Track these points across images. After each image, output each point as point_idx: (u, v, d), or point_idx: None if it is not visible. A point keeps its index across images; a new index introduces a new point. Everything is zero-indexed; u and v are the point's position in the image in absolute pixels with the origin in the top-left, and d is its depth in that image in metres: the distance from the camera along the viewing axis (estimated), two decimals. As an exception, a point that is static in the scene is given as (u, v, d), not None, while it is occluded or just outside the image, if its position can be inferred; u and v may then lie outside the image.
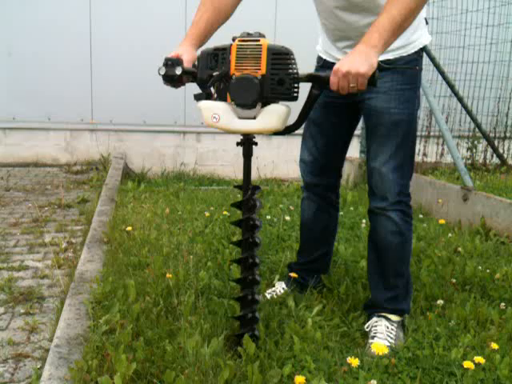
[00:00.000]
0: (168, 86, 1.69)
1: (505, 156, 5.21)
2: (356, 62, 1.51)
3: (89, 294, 2.24)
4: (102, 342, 1.79)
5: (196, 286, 2.24)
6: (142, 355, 1.69)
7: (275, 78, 1.54)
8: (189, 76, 1.66)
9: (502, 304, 2.25)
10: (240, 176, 1.80)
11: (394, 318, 1.99)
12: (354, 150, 5.29)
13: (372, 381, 1.46)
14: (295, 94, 1.57)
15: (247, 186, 1.75)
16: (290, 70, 1.54)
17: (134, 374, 1.61)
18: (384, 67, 1.63)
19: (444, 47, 4.67)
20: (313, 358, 1.71)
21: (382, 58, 1.79)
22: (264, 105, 1.57)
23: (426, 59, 4.41)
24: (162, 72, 1.63)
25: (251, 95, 1.53)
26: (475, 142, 5.07)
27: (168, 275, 2.26)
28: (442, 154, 5.05)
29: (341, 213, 3.76)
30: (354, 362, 1.46)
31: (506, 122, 5.29)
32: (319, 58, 2.11)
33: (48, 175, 5.07)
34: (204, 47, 1.69)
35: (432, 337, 1.95)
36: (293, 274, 2.28)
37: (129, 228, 3.09)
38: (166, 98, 4.70)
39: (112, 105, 5.37)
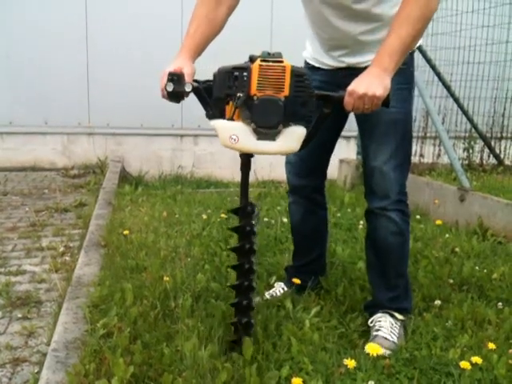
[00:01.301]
0: (171, 101, 1.63)
1: (501, 156, 5.23)
2: (372, 84, 1.54)
3: (86, 297, 2.24)
4: (99, 346, 1.79)
5: (193, 289, 2.24)
6: (140, 358, 1.69)
7: (299, 99, 1.53)
8: (197, 93, 1.61)
9: (500, 304, 2.26)
10: (237, 178, 1.79)
11: (398, 316, 2.00)
12: (351, 152, 5.30)
13: (369, 382, 1.46)
14: (313, 115, 1.58)
15: (245, 206, 1.73)
16: (311, 92, 1.55)
17: (132, 378, 1.60)
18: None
19: (440, 48, 4.69)
20: (310, 359, 1.71)
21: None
22: (283, 126, 1.55)
23: (422, 60, 4.43)
24: (170, 88, 1.56)
25: (275, 117, 1.50)
26: (472, 143, 5.08)
27: (165, 278, 2.26)
28: (438, 155, 5.06)
29: (338, 214, 3.77)
30: (351, 363, 1.47)
31: (503, 122, 5.31)
32: (306, 64, 2.11)
33: (45, 179, 5.07)
34: (216, 63, 1.64)
35: (429, 337, 1.96)
36: (295, 280, 2.27)
37: (126, 231, 3.09)
38: (163, 101, 4.68)
39: (109, 108, 5.37)
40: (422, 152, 5.03)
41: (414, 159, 4.93)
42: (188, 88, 1.56)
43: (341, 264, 2.66)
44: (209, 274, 2.46)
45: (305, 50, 2.15)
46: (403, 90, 1.88)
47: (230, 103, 1.56)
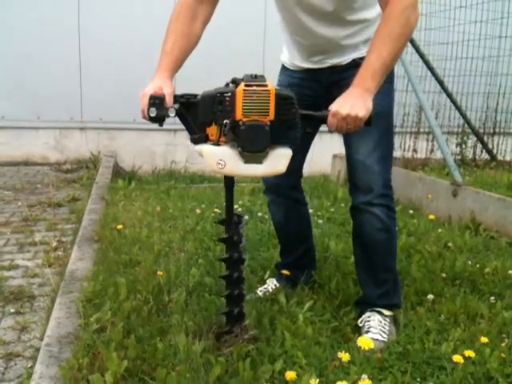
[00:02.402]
0: (152, 123, 1.59)
1: (494, 151, 5.25)
2: (355, 105, 1.53)
3: (79, 292, 2.24)
4: (92, 341, 1.78)
5: (187, 284, 2.24)
6: (133, 353, 1.69)
7: (284, 123, 1.53)
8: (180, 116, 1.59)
9: (492, 298, 2.27)
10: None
11: (386, 312, 2.00)
12: (342, 146, 5.30)
13: (363, 375, 1.46)
14: (298, 135, 1.59)
15: (231, 218, 1.74)
16: (296, 115, 1.55)
17: (126, 372, 1.60)
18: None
19: (433, 43, 4.69)
20: (304, 353, 1.72)
21: (360, 54, 1.85)
22: (269, 149, 1.55)
23: (415, 55, 4.44)
24: (153, 114, 1.52)
25: (262, 142, 1.49)
26: (465, 138, 5.10)
27: (159, 273, 2.26)
28: (431, 150, 5.07)
29: (331, 209, 3.78)
30: (345, 356, 1.47)
31: (495, 118, 5.33)
32: (284, 68, 2.11)
33: (38, 174, 5.05)
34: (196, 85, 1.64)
35: (422, 331, 1.97)
36: (285, 272, 2.29)
37: (119, 226, 3.08)
38: (156, 95, 4.68)
39: (101, 103, 5.34)
40: (416, 147, 5.04)
41: (408, 154, 4.95)
42: (172, 113, 1.54)
43: (334, 258, 2.66)
44: (202, 268, 2.46)
45: (282, 53, 2.14)
46: (384, 83, 1.87)
47: (214, 125, 1.55)
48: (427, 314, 2.10)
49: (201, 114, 1.54)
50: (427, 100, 4.36)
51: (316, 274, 2.37)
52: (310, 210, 3.58)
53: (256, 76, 1.52)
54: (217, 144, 1.55)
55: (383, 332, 1.94)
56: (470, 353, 1.67)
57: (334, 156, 5.02)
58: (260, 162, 1.53)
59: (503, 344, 1.84)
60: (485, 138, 5.21)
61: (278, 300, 2.13)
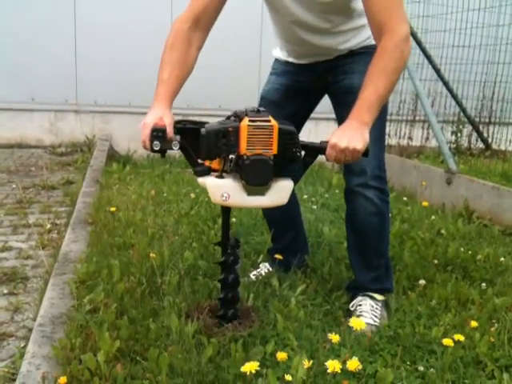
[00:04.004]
0: (153, 152, 1.59)
1: (489, 140, 5.26)
2: (353, 138, 1.56)
3: (73, 273, 2.24)
4: (85, 321, 1.79)
5: (180, 267, 2.24)
6: (126, 333, 1.70)
7: (286, 156, 1.56)
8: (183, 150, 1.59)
9: (483, 284, 2.29)
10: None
11: (378, 297, 2.02)
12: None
13: (353, 358, 1.48)
14: (300, 168, 1.64)
15: (227, 241, 1.76)
16: (298, 149, 1.57)
17: (118, 352, 1.61)
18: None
19: (430, 31, 4.68)
20: (296, 335, 1.73)
21: (353, 45, 1.92)
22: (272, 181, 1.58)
23: (412, 43, 4.42)
24: (157, 147, 1.52)
25: (266, 176, 1.53)
26: (460, 127, 5.10)
27: (152, 255, 2.26)
28: (427, 138, 5.08)
29: (326, 195, 3.79)
30: (335, 338, 1.48)
31: (491, 107, 5.33)
32: (278, 60, 2.14)
33: (32, 156, 5.02)
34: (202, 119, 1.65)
35: (413, 316, 1.98)
36: (278, 256, 2.29)
37: (113, 209, 3.08)
38: (150, 79, 4.65)
39: (97, 86, 5.30)
40: (411, 135, 5.04)
41: (403, 142, 4.96)
42: (175, 147, 1.55)
43: (327, 244, 2.68)
44: (196, 251, 2.47)
45: (275, 49, 2.16)
46: None
47: (218, 158, 1.57)
48: (418, 299, 2.12)
49: (205, 149, 1.55)
50: (423, 88, 4.36)
51: (309, 259, 2.38)
52: (305, 196, 3.61)
53: (259, 110, 1.55)
54: (220, 176, 1.56)
55: (375, 316, 1.95)
56: (459, 337, 1.69)
57: (330, 143, 5.01)
58: (263, 194, 1.56)
59: (493, 329, 1.86)
60: (480, 127, 5.22)
61: (271, 283, 2.14)
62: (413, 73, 4.01)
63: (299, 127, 2.16)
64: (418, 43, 4.46)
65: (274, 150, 1.52)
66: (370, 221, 1.98)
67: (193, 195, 3.56)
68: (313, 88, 2.07)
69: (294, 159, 1.58)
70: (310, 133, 2.17)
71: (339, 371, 1.40)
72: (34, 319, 1.95)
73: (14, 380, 1.58)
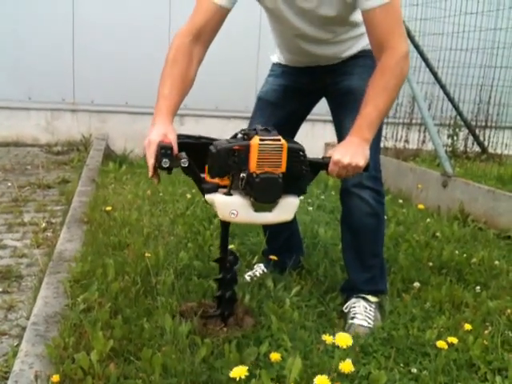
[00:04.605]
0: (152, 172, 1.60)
1: (485, 144, 5.27)
2: (355, 155, 1.61)
3: (67, 272, 2.23)
4: (79, 320, 1.78)
5: (175, 267, 2.24)
6: (120, 333, 1.69)
7: (294, 174, 1.57)
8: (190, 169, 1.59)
9: (477, 288, 2.30)
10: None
11: (372, 298, 2.02)
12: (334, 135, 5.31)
13: (347, 359, 1.48)
14: (306, 185, 1.66)
15: (225, 257, 1.76)
16: (306, 166, 1.59)
17: (111, 351, 1.61)
18: None
19: (428, 34, 4.69)
20: (290, 336, 1.73)
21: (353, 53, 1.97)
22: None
23: (410, 46, 4.43)
24: (166, 165, 1.52)
25: (275, 194, 1.54)
26: (456, 130, 5.12)
27: (147, 255, 2.26)
28: (423, 141, 5.09)
29: (322, 197, 3.79)
30: (329, 339, 1.48)
31: (488, 111, 5.34)
32: (276, 65, 2.17)
33: (28, 155, 5.01)
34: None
35: (407, 318, 1.99)
36: (273, 257, 2.29)
37: (109, 208, 3.07)
38: (148, 79, 4.64)
39: (94, 85, 5.29)
40: (408, 138, 5.06)
41: (399, 145, 4.97)
42: (184, 164, 1.54)
43: (323, 245, 2.68)
44: (191, 252, 2.47)
45: (272, 55, 2.18)
46: (372, 69, 1.90)
47: (226, 176, 1.58)
48: (413, 302, 2.12)
49: (216, 167, 1.56)
50: (421, 90, 4.37)
51: (304, 260, 2.39)
52: (301, 198, 3.60)
53: (268, 129, 1.56)
54: (229, 194, 1.57)
55: (369, 318, 1.95)
56: (453, 339, 1.69)
57: (327, 144, 5.02)
58: (270, 210, 1.58)
59: (486, 332, 1.87)
60: (476, 131, 5.24)
61: (266, 284, 2.14)
62: (410, 76, 4.02)
63: (296, 128, 2.17)
64: (416, 46, 4.47)
65: (283, 167, 1.54)
66: (365, 221, 1.98)
67: (189, 195, 3.55)
68: (311, 89, 2.09)
69: (302, 176, 1.61)
70: (306, 134, 2.18)
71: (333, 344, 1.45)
72: (28, 318, 1.94)
73: (7, 379, 1.57)
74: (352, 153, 1.61)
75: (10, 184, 3.95)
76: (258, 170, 1.51)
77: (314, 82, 2.06)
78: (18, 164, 4.63)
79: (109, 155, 5.07)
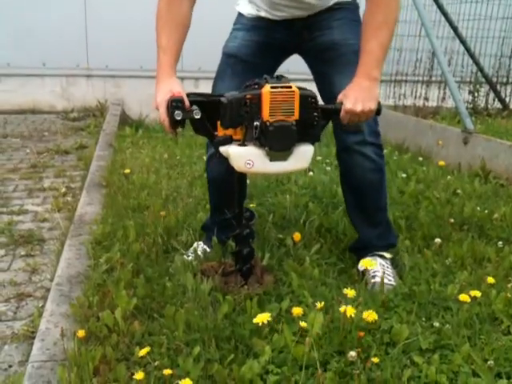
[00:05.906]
0: (172, 129, 1.56)
1: (507, 100, 5.15)
2: (367, 100, 1.58)
3: (89, 235, 2.26)
4: (102, 280, 1.81)
5: (194, 227, 2.25)
6: (143, 292, 1.72)
7: (307, 121, 1.55)
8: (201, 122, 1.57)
9: (500, 243, 2.26)
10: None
11: (387, 255, 2.00)
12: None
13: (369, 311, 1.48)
14: (319, 132, 1.63)
15: (241, 211, 1.76)
16: (318, 113, 1.56)
17: (135, 309, 1.63)
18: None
19: (447, -14, 4.54)
20: (310, 293, 1.73)
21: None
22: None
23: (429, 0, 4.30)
24: (179, 117, 1.51)
25: (289, 141, 1.52)
26: (477, 86, 5.00)
27: (164, 215, 2.26)
28: (443, 98, 4.99)
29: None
30: (350, 292, 1.48)
31: (510, 65, 5.20)
32: (244, 17, 1.95)
33: (45, 122, 5.03)
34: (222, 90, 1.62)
35: (429, 273, 1.97)
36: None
37: (127, 171, 3.08)
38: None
39: (108, 50, 5.24)
40: (427, 95, 4.95)
41: (419, 102, 4.88)
42: (197, 115, 1.53)
43: (342, 204, 2.65)
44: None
45: (237, 5, 1.99)
46: (357, 23, 1.83)
47: (239, 127, 1.55)
48: (434, 257, 2.10)
49: (228, 117, 1.53)
50: (440, 46, 4.26)
51: (324, 219, 2.37)
52: (319, 158, 3.58)
53: (279, 77, 1.53)
54: (243, 144, 1.55)
55: (388, 275, 1.94)
56: (476, 293, 1.67)
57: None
58: (285, 159, 1.56)
59: (509, 285, 1.84)
60: (498, 87, 5.11)
61: (285, 243, 2.14)
62: (429, 30, 3.90)
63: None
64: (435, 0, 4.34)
65: (296, 115, 1.52)
66: (369, 177, 1.94)
67: (205, 158, 3.53)
68: (286, 46, 1.94)
69: (314, 123, 1.58)
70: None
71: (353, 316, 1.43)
72: (52, 279, 1.97)
73: (34, 338, 1.61)
74: (363, 98, 1.57)
75: (28, 151, 3.98)
76: (271, 119, 1.49)
77: (291, 38, 1.90)
78: (36, 131, 4.66)
79: (125, 120, 5.07)
